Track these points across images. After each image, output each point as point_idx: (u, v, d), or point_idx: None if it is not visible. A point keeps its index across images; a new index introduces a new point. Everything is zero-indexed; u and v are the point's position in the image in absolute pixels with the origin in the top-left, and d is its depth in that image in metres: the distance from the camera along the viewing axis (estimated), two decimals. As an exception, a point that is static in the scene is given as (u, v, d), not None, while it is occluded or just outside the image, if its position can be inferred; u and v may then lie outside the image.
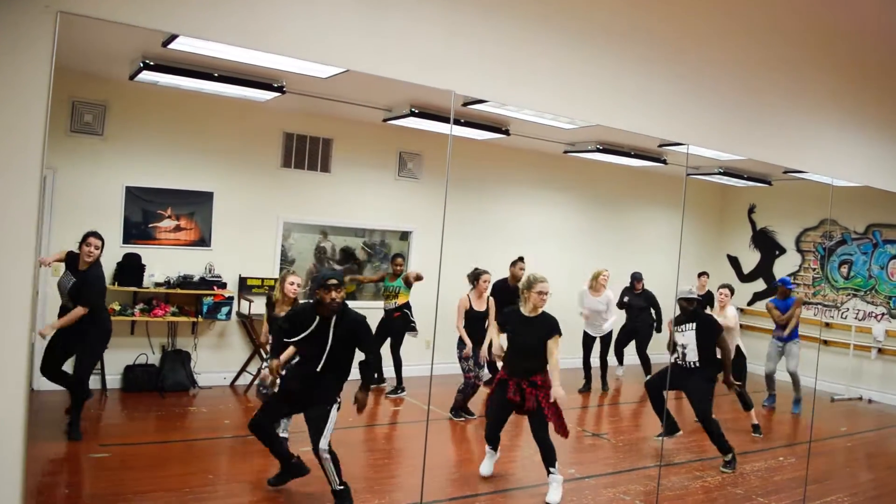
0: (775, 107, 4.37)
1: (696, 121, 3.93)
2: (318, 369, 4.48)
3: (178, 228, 6.60)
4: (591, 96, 3.47)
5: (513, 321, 5.15)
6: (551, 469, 4.90)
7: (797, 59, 4.48)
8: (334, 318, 4.50)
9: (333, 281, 4.45)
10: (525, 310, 5.11)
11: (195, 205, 6.70)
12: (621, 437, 6.17)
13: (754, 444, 6.69)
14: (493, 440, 5.27)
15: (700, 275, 8.44)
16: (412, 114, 6.27)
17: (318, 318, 4.50)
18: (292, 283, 5.61)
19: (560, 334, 5.02)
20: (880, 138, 5.21)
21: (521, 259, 7.57)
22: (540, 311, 5.09)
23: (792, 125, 4.49)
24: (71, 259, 5.17)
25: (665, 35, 3.79)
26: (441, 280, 3.66)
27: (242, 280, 6.96)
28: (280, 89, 5.68)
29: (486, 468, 5.27)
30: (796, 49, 4.48)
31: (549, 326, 5.02)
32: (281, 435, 5.33)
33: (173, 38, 4.11)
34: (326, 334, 4.46)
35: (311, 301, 4.71)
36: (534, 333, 5.02)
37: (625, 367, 8.50)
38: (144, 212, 6.40)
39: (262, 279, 7.05)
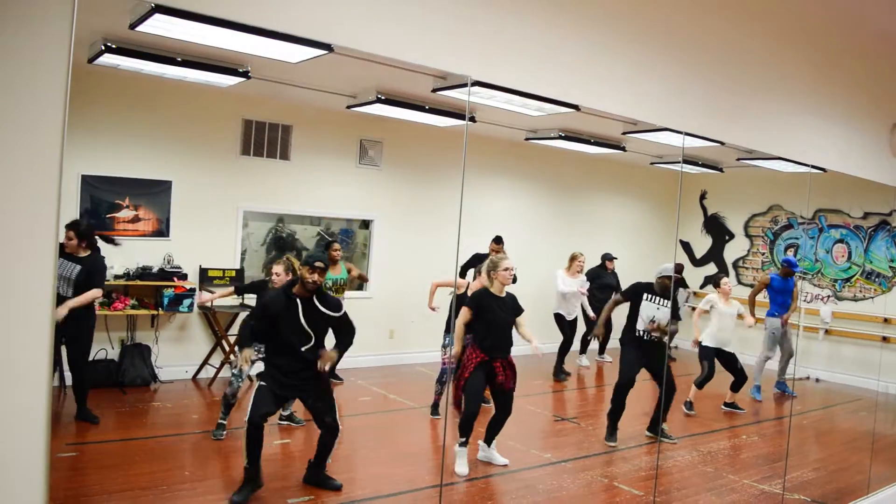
0: (758, 95, 4.47)
1: (689, 108, 3.98)
2: (303, 352, 4.48)
3: (136, 219, 6.37)
4: (606, 85, 3.48)
5: (484, 302, 5.18)
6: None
7: (778, 49, 4.59)
8: (310, 298, 4.52)
9: (320, 264, 4.49)
10: (493, 290, 5.24)
11: (153, 194, 6.47)
12: (590, 420, 6.24)
13: (717, 423, 6.87)
14: (470, 429, 5.08)
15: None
16: (378, 100, 6.18)
17: (296, 299, 4.48)
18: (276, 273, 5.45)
19: (523, 311, 5.37)
20: (850, 126, 5.40)
21: (497, 241, 7.51)
22: (505, 291, 5.29)
23: (770, 112, 4.60)
24: (62, 248, 5.02)
25: (659, 22, 3.83)
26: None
27: (203, 271, 6.77)
28: (245, 74, 5.51)
29: (463, 467, 5.03)
30: (776, 39, 4.58)
31: (516, 305, 5.33)
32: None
33: (144, 18, 3.95)
34: (301, 314, 4.48)
35: (285, 284, 4.70)
36: (506, 311, 5.26)
37: (587, 356, 8.56)
38: (101, 201, 6.15)
39: (223, 270, 6.87)
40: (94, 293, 5.22)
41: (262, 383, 4.45)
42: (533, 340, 5.19)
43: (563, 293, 7.87)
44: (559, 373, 7.94)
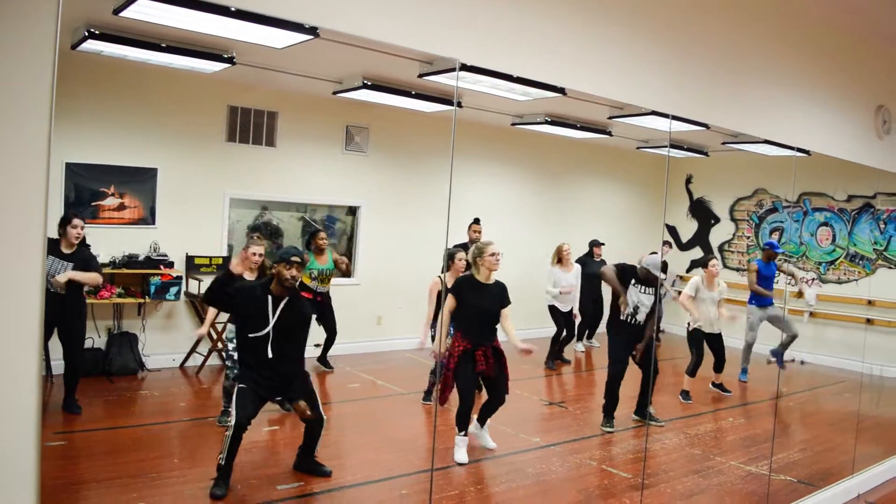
0: (744, 78, 4.49)
1: (676, 91, 3.99)
2: (275, 354, 4.42)
3: (121, 207, 6.33)
4: (601, 70, 3.48)
5: (468, 289, 5.11)
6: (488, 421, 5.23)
7: (764, 32, 4.61)
8: (286, 299, 4.45)
9: (296, 259, 4.40)
10: (480, 277, 5.12)
11: (139, 182, 6.43)
12: (578, 404, 6.28)
13: (704, 405, 6.92)
14: (467, 420, 5.04)
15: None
16: (364, 86, 6.15)
17: (269, 297, 4.42)
18: (255, 253, 5.39)
19: (510, 303, 5.21)
20: (835, 109, 5.45)
21: (476, 221, 7.42)
22: (493, 278, 5.16)
23: (756, 95, 4.62)
24: (52, 245, 4.98)
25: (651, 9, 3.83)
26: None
27: (190, 259, 6.75)
28: (230, 60, 5.47)
29: (463, 455, 4.99)
30: (762, 22, 4.60)
31: (503, 293, 5.18)
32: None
33: (128, 3, 3.91)
34: (275, 314, 4.40)
35: (261, 280, 4.68)
36: (492, 299, 5.12)
37: (583, 343, 8.56)
38: (86, 189, 6.11)
39: (210, 257, 6.85)
40: (96, 277, 5.29)
41: (243, 385, 4.35)
42: (517, 341, 5.02)
43: (561, 293, 7.70)
44: (549, 362, 7.90)
